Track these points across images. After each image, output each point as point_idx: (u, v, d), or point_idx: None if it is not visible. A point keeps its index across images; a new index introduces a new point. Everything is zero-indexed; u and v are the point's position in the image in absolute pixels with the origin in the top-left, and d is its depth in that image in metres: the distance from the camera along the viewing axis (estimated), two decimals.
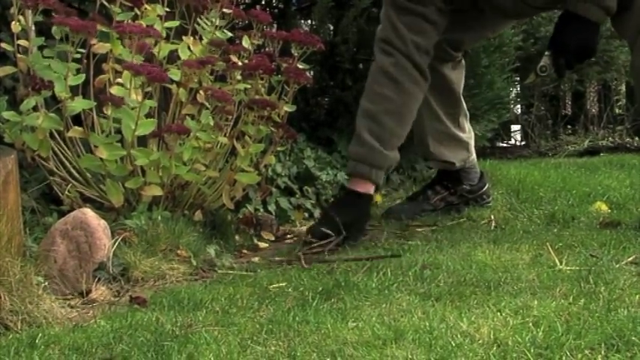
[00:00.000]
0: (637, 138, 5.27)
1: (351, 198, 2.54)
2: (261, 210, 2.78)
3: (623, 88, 5.93)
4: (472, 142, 2.97)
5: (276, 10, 3.48)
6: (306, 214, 2.93)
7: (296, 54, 2.58)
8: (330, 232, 2.38)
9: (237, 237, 2.56)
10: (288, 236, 2.71)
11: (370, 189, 2.53)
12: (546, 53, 2.50)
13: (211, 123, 2.41)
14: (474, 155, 2.97)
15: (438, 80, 2.71)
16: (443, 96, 2.82)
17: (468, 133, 2.94)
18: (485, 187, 2.96)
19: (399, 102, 2.53)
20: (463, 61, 2.91)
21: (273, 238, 2.65)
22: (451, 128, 2.87)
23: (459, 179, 2.91)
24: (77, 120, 2.36)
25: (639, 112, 2.66)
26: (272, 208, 2.81)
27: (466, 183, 2.92)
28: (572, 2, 2.41)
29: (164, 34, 2.47)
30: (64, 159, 2.38)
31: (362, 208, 2.53)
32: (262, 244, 2.57)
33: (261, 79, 2.53)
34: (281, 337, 1.53)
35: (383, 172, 2.55)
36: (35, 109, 2.27)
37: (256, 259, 2.37)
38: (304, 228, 2.83)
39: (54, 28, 2.24)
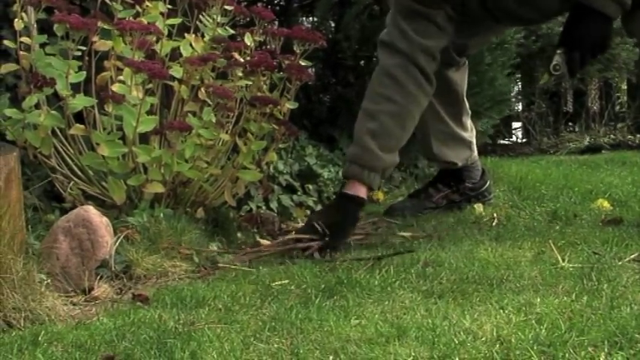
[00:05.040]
0: (638, 135, 5.27)
1: (339, 201, 2.46)
2: (263, 207, 2.78)
3: (625, 85, 5.92)
4: (474, 140, 2.97)
5: (277, 7, 3.48)
6: (308, 212, 2.93)
7: (298, 51, 2.58)
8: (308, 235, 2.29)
9: (239, 234, 2.55)
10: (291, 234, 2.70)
11: (362, 192, 2.40)
12: (558, 51, 2.40)
13: (213, 120, 2.41)
14: (475, 153, 2.97)
15: (441, 83, 2.68)
16: (446, 98, 2.80)
17: (470, 132, 2.94)
18: (487, 184, 2.95)
19: (401, 103, 2.44)
20: (466, 62, 2.91)
21: (275, 236, 2.65)
22: (454, 128, 2.86)
23: (461, 177, 2.90)
24: (79, 117, 2.36)
25: None
26: (274, 205, 2.81)
27: (468, 181, 2.92)
28: None
29: (166, 32, 2.47)
30: (66, 156, 2.38)
31: (348, 211, 2.39)
32: (264, 242, 2.57)
33: (263, 75, 2.53)
34: (284, 335, 1.53)
35: (378, 175, 2.42)
36: (37, 106, 2.27)
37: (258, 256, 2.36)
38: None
39: (55, 26, 2.24)
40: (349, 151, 2.49)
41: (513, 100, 4.94)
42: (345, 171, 2.47)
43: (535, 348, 1.35)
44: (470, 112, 2.95)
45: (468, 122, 2.93)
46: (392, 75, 2.46)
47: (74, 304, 1.89)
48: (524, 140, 5.57)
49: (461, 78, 2.86)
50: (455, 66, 2.80)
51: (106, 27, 2.36)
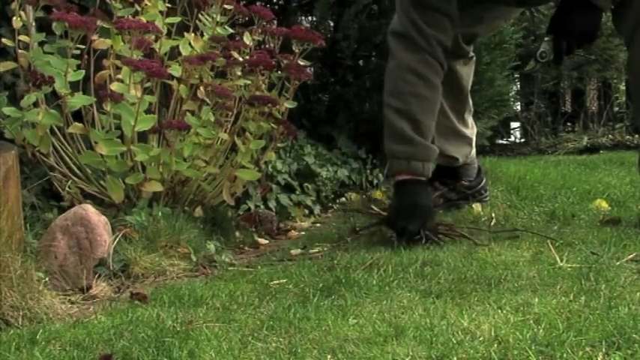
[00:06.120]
0: (636, 136, 5.28)
1: (410, 188, 2.48)
2: (262, 207, 2.78)
3: (623, 86, 5.93)
4: (474, 137, 2.97)
5: (276, 6, 3.48)
6: (306, 211, 2.93)
7: (297, 50, 2.58)
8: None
9: (237, 233, 2.56)
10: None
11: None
12: (546, 39, 2.45)
13: (212, 119, 2.41)
14: (474, 150, 2.97)
15: (450, 77, 2.69)
16: (452, 92, 2.80)
17: (471, 129, 2.94)
18: (483, 182, 2.95)
19: (431, 99, 2.50)
20: (474, 57, 2.91)
21: (273, 235, 2.66)
22: (455, 123, 2.86)
23: (457, 175, 2.90)
24: (77, 116, 2.36)
25: (636, 111, 2.63)
26: (272, 204, 2.81)
27: (465, 179, 2.91)
28: None
29: (165, 30, 2.47)
30: (64, 155, 2.38)
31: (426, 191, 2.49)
32: (262, 241, 2.57)
33: (262, 74, 2.53)
34: (282, 334, 1.53)
35: (431, 165, 2.51)
36: (36, 105, 2.27)
37: (256, 255, 2.37)
38: (304, 224, 2.83)
39: (54, 24, 2.24)
40: (399, 149, 2.48)
41: (512, 100, 4.93)
42: (405, 167, 2.48)
43: (533, 348, 1.35)
44: (472, 109, 2.95)
45: (470, 119, 2.93)
46: (416, 71, 2.48)
47: (72, 303, 1.89)
48: (522, 140, 5.57)
49: (467, 73, 2.85)
50: (463, 58, 2.80)
51: (104, 25, 2.36)
